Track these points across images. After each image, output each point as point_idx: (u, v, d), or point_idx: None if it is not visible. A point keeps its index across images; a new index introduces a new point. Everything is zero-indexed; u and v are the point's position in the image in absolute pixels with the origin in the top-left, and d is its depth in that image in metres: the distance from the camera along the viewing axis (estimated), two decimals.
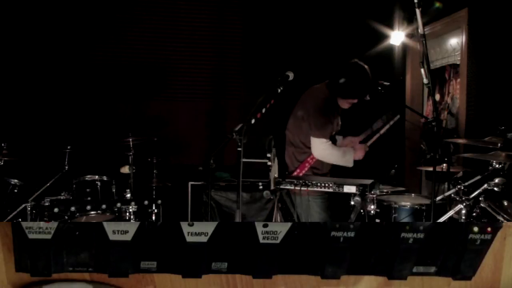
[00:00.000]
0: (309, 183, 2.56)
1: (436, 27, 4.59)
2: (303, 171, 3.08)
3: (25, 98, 4.75)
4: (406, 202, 3.24)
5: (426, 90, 5.03)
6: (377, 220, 3.01)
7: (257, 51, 5.24)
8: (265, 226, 1.86)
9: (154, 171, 4.42)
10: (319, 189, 2.56)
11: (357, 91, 3.02)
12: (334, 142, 3.16)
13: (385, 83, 2.96)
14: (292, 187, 2.60)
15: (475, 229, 1.93)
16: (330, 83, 3.06)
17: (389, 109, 3.08)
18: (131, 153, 4.01)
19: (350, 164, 3.05)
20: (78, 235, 1.85)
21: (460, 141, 3.37)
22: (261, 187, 4.40)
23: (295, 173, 3.12)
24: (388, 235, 1.92)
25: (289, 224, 1.89)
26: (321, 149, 3.01)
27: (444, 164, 3.03)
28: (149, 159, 4.41)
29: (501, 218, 2.53)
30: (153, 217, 4.02)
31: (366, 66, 3.00)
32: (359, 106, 3.26)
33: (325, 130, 3.01)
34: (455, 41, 4.50)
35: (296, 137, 3.11)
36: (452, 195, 2.79)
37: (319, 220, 2.97)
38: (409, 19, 4.97)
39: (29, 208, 3.58)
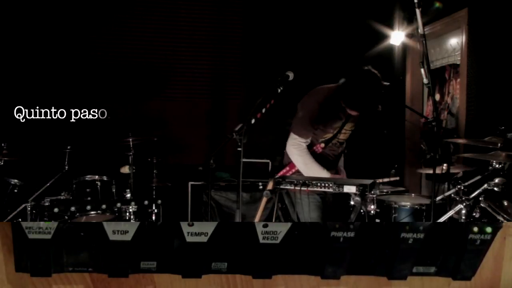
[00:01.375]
0: (309, 183, 2.56)
1: (436, 27, 4.59)
2: (292, 170, 3.07)
3: (25, 98, 4.75)
4: (406, 202, 3.24)
5: (426, 90, 5.03)
6: (377, 220, 3.01)
7: (257, 51, 5.24)
8: (265, 226, 1.86)
9: (154, 171, 4.43)
10: (319, 189, 2.56)
11: (362, 105, 2.91)
12: (333, 149, 3.13)
13: (385, 83, 2.95)
14: (292, 187, 2.59)
15: (475, 229, 1.93)
16: (340, 88, 2.93)
17: (389, 112, 3.04)
18: (131, 153, 4.01)
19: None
20: (78, 235, 1.85)
21: (460, 141, 3.38)
22: (261, 187, 4.40)
23: (284, 170, 3.11)
24: (388, 235, 1.92)
25: (289, 224, 1.89)
26: (291, 144, 2.97)
27: (444, 164, 3.02)
28: (149, 159, 4.41)
29: (501, 218, 2.54)
30: (153, 217, 4.02)
31: (378, 76, 2.85)
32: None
33: (304, 129, 2.95)
34: (455, 41, 4.50)
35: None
36: (452, 195, 2.79)
37: (309, 219, 2.95)
38: (409, 19, 4.97)
39: (29, 208, 3.58)
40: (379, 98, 2.88)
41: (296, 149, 2.97)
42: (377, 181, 2.92)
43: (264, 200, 2.75)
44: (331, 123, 2.98)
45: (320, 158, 3.03)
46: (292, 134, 2.99)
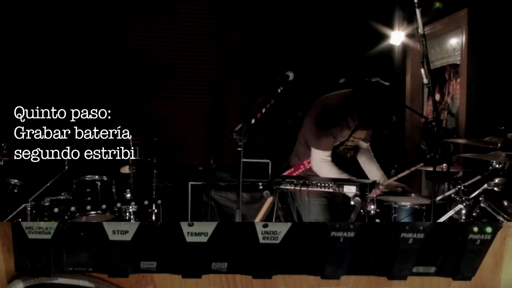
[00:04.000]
0: (309, 183, 2.56)
1: (436, 27, 4.59)
2: (297, 172, 3.06)
3: (24, 98, 4.75)
4: (406, 202, 3.24)
5: (426, 90, 5.03)
6: (377, 220, 3.01)
7: (257, 51, 5.25)
8: (265, 226, 1.86)
9: (154, 171, 4.42)
10: (319, 189, 2.56)
11: (378, 122, 2.95)
12: (341, 155, 3.10)
13: (385, 83, 2.95)
14: (292, 187, 2.59)
15: (475, 229, 1.93)
16: (351, 101, 2.91)
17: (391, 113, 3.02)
18: None
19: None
20: (78, 235, 1.85)
21: (460, 141, 3.37)
22: (261, 187, 4.41)
23: (288, 171, 3.11)
24: (388, 235, 1.92)
25: (289, 224, 1.89)
26: (318, 161, 2.93)
27: (444, 164, 3.02)
28: (149, 159, 4.41)
29: (501, 218, 2.53)
30: (153, 217, 4.02)
31: (389, 89, 2.84)
32: None
33: (324, 142, 2.91)
34: (455, 41, 4.50)
35: (303, 137, 3.08)
36: (452, 195, 2.78)
37: (313, 221, 2.94)
38: (409, 19, 4.97)
39: (29, 208, 3.58)
40: (392, 112, 2.88)
41: (326, 165, 2.93)
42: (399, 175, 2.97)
43: (268, 201, 2.74)
44: (340, 132, 2.95)
45: None
46: (315, 150, 2.94)
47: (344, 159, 3.07)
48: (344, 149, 3.05)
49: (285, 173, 3.10)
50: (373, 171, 3.18)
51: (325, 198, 2.99)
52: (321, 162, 2.93)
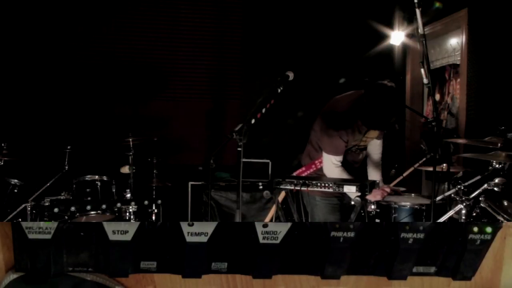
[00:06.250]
0: (309, 183, 2.56)
1: (436, 27, 4.59)
2: (308, 171, 3.07)
3: (25, 98, 4.75)
4: (406, 202, 3.24)
5: (426, 90, 5.03)
6: (377, 220, 3.01)
7: (257, 51, 5.25)
8: (265, 226, 1.86)
9: (154, 171, 4.43)
10: (318, 189, 2.56)
11: (381, 125, 2.92)
12: (351, 159, 3.10)
13: (393, 84, 2.94)
14: (292, 187, 2.60)
15: (475, 229, 1.93)
16: (358, 105, 2.88)
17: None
18: (131, 153, 4.01)
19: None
20: (78, 235, 1.85)
21: (460, 141, 3.37)
22: (261, 187, 4.40)
23: (299, 170, 3.11)
24: (388, 235, 1.92)
25: (289, 224, 1.89)
26: (330, 166, 2.94)
27: (444, 164, 3.02)
28: (149, 159, 4.41)
29: (501, 218, 2.53)
30: (153, 217, 4.03)
31: (395, 89, 2.85)
32: None
33: (336, 148, 2.91)
34: (455, 41, 4.50)
35: (314, 137, 3.08)
36: (452, 195, 2.78)
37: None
38: (409, 19, 4.98)
39: (29, 208, 3.58)
40: (397, 114, 2.87)
41: (337, 170, 2.94)
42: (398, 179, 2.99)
43: (274, 208, 2.75)
44: (352, 136, 2.95)
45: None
46: (327, 155, 2.95)
47: (355, 161, 3.07)
48: (357, 149, 3.05)
49: (296, 172, 3.11)
50: (372, 175, 3.19)
51: (336, 198, 2.99)
52: (333, 167, 2.94)
